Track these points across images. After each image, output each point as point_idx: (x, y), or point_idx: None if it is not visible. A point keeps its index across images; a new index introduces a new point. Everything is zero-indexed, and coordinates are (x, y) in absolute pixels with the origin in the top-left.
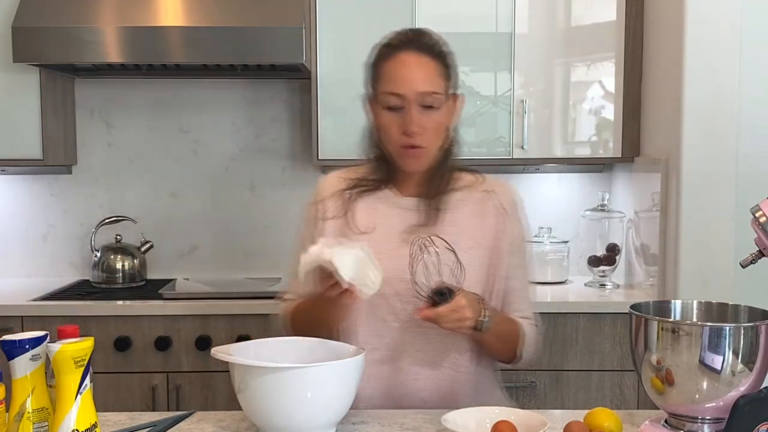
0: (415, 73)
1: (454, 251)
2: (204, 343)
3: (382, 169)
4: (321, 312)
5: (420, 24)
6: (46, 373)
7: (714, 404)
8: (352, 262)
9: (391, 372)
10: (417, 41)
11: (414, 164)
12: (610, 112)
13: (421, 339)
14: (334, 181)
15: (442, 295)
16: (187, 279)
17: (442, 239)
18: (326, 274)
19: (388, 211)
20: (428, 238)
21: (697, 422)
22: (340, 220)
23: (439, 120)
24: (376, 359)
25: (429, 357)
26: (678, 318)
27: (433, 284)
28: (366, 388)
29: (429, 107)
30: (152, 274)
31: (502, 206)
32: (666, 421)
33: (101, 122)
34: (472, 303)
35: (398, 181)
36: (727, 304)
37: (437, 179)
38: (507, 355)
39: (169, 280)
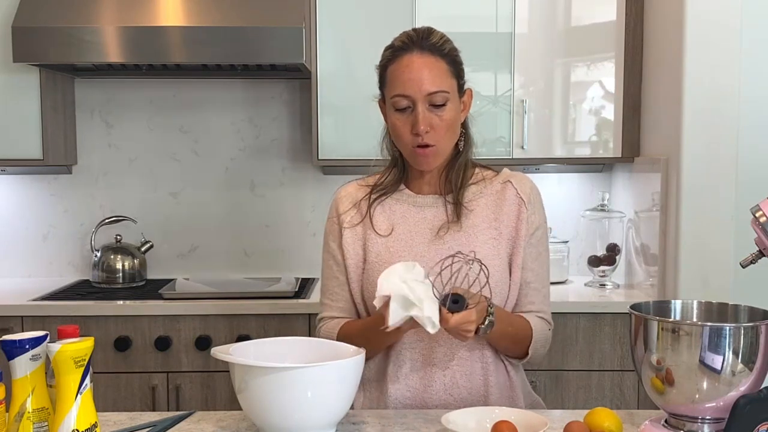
0: (421, 74)
1: (481, 263)
2: (204, 343)
3: (397, 170)
4: (378, 335)
5: (420, 24)
6: (46, 373)
7: (714, 404)
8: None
9: (424, 369)
10: (421, 42)
11: (426, 163)
12: (610, 112)
13: (448, 335)
14: (350, 190)
15: (455, 302)
16: (187, 279)
17: (470, 254)
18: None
19: (406, 211)
20: (461, 253)
21: (697, 422)
22: (359, 227)
23: (449, 118)
24: (409, 357)
25: (458, 351)
26: (678, 318)
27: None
28: (398, 389)
29: (437, 106)
30: (152, 274)
31: (518, 195)
32: (666, 421)
33: (101, 122)
34: (480, 313)
35: (414, 180)
36: (727, 304)
37: (453, 175)
38: (515, 353)
39: (169, 280)
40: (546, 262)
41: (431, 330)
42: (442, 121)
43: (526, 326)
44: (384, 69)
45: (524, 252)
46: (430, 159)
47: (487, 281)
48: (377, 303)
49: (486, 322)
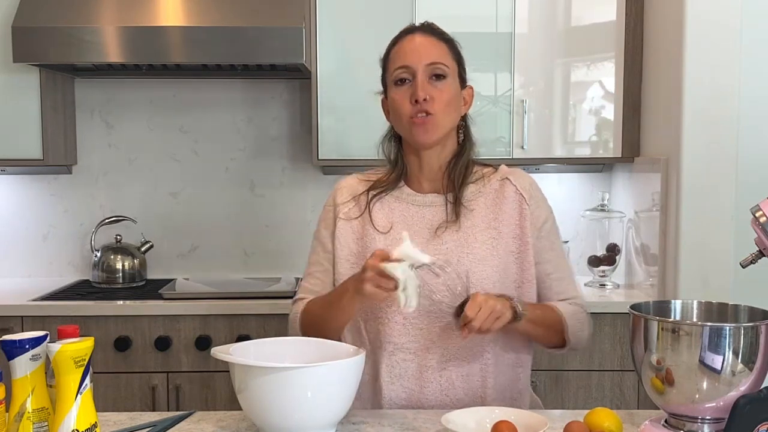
0: (423, 48)
1: (444, 268)
2: (204, 343)
3: (399, 167)
4: (335, 312)
5: None
6: (46, 373)
7: (714, 404)
8: (412, 283)
9: (419, 370)
10: (425, 27)
11: (423, 135)
12: (610, 112)
13: (444, 335)
14: (351, 182)
15: (461, 307)
16: (187, 279)
17: (434, 263)
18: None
19: (405, 209)
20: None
21: (697, 422)
22: (356, 221)
23: (448, 92)
24: (404, 358)
25: (454, 353)
26: (678, 318)
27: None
28: (393, 390)
29: (437, 78)
30: (152, 274)
31: (518, 192)
32: (666, 421)
33: (101, 122)
34: (490, 295)
35: (414, 177)
36: (727, 304)
37: (454, 173)
38: (554, 341)
39: (169, 280)
40: (562, 250)
41: (403, 301)
42: (442, 93)
43: (553, 313)
44: (387, 55)
45: (536, 247)
46: (429, 128)
47: (466, 283)
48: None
49: (517, 311)
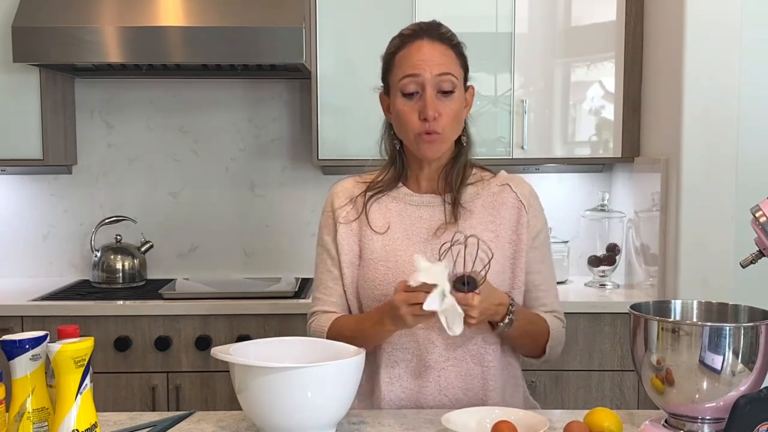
0: (431, 57)
1: (479, 240)
2: (204, 343)
3: (396, 168)
4: (372, 338)
5: None
6: (46, 373)
7: (714, 404)
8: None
9: (418, 370)
10: (431, 30)
11: (431, 151)
12: (610, 112)
13: (443, 335)
14: (347, 185)
15: (462, 284)
16: (187, 279)
17: (474, 236)
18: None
19: (403, 210)
20: (464, 235)
21: (697, 422)
22: (354, 223)
23: (455, 107)
24: (402, 358)
25: (453, 352)
26: (678, 318)
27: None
28: (391, 390)
29: (445, 94)
30: (152, 274)
31: (518, 199)
32: (666, 421)
33: (101, 122)
34: (488, 304)
35: (412, 177)
36: (727, 304)
37: (452, 174)
38: (533, 351)
39: (169, 280)
40: (551, 263)
41: (456, 329)
42: (449, 109)
43: (543, 324)
44: (392, 56)
45: (528, 256)
46: (435, 146)
47: (489, 261)
48: (414, 281)
49: (506, 320)
